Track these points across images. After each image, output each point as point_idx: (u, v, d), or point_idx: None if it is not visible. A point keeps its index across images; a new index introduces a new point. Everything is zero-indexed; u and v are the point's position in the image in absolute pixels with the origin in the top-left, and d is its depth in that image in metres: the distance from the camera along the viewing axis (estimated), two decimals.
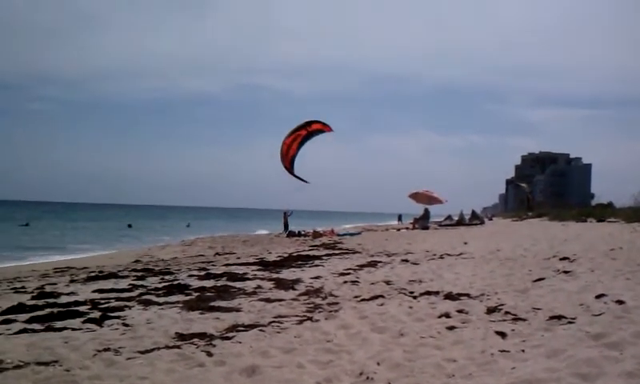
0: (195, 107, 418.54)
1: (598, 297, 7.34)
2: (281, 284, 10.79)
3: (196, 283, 11.17)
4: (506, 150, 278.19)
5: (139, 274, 13.34)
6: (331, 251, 19.40)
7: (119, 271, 14.15)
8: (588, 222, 31.32)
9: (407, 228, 40.61)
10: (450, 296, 8.50)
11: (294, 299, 9.00)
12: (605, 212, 35.86)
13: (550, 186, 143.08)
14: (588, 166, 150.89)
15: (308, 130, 19.25)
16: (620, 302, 6.84)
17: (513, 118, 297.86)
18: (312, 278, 11.50)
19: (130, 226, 55.55)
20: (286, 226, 38.14)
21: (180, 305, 8.73)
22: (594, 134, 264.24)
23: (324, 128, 19.21)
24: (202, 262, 16.46)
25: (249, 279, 11.68)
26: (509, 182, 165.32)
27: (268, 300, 8.98)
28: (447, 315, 7.04)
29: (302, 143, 19.17)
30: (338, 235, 32.36)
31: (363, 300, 8.68)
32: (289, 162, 18.75)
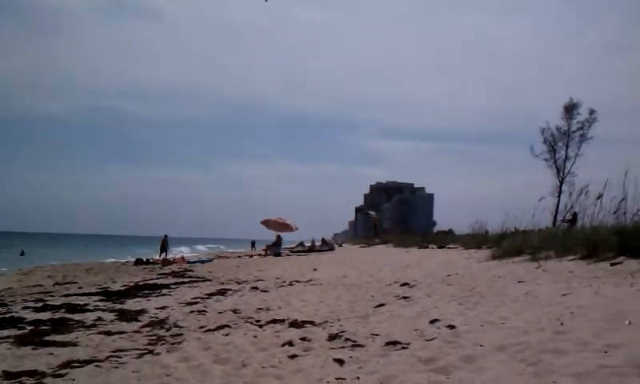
0: (38, 129, 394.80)
1: (432, 322, 7.64)
2: (123, 315, 10.40)
3: (31, 316, 10.48)
4: (356, 179, 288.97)
5: None
6: (180, 279, 19.03)
7: None
8: (430, 248, 32.99)
9: (260, 255, 40.75)
10: (295, 324, 8.60)
11: (136, 331, 8.70)
12: (445, 239, 37.94)
13: (396, 214, 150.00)
14: (431, 196, 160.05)
15: None
16: (451, 327, 7.15)
17: (362, 149, 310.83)
18: (157, 309, 11.19)
19: None
20: (163, 249, 37.21)
21: (11, 340, 8.14)
22: (437, 166, 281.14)
23: None
24: (40, 293, 15.44)
25: (89, 310, 11.15)
26: (358, 210, 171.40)
27: (108, 333, 8.61)
28: (290, 343, 7.12)
29: None
30: (189, 263, 31.76)
31: (209, 330, 8.57)
32: None
